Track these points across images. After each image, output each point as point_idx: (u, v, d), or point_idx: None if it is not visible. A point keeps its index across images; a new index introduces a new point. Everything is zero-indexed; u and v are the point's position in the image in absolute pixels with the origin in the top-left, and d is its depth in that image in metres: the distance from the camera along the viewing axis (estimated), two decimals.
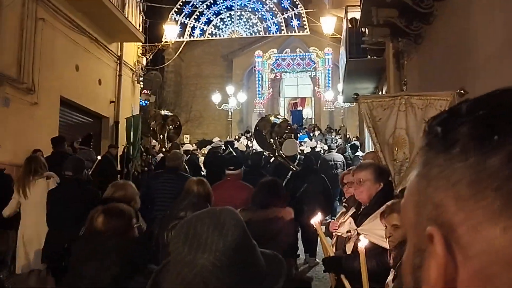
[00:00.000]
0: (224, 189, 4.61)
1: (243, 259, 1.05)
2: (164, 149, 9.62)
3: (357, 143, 15.17)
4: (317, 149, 15.44)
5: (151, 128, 10.20)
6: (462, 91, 4.12)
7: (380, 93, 12.12)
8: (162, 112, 11.35)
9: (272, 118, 10.30)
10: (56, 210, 4.75)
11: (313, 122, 26.29)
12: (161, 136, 9.58)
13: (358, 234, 3.05)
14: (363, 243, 2.56)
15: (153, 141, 15.13)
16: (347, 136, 20.91)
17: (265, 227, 3.40)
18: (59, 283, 3.59)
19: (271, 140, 9.49)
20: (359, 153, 12.26)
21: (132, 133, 10.37)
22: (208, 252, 1.01)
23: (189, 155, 11.57)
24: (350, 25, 11.69)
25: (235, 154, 11.10)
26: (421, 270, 0.47)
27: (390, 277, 2.47)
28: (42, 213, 4.90)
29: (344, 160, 11.58)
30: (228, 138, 18.19)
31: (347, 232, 3.33)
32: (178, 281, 1.02)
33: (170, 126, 9.88)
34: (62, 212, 4.63)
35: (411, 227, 0.50)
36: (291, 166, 8.66)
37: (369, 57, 11.34)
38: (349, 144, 15.45)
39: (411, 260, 0.50)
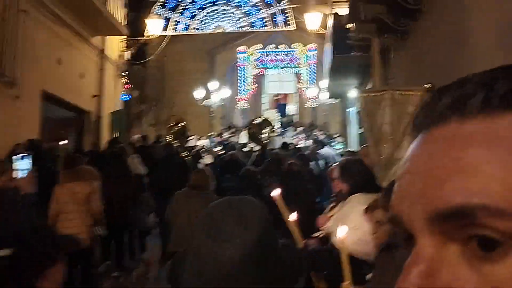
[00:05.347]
0: None
1: (268, 253, 1.00)
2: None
3: (326, 140, 15.49)
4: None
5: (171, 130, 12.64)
6: (430, 85, 4.28)
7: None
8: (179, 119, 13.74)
9: (256, 121, 14.31)
10: None
11: (296, 119, 26.36)
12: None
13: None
14: (341, 233, 2.41)
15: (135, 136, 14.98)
16: (326, 133, 21.02)
17: None
18: None
19: (260, 136, 12.80)
20: (322, 150, 12.47)
21: (114, 128, 10.25)
22: (234, 246, 0.96)
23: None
24: (335, 21, 11.70)
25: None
26: None
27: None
28: None
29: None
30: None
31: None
32: (201, 274, 0.97)
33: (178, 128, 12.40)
34: None
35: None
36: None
37: (354, 53, 11.37)
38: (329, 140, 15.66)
39: None
